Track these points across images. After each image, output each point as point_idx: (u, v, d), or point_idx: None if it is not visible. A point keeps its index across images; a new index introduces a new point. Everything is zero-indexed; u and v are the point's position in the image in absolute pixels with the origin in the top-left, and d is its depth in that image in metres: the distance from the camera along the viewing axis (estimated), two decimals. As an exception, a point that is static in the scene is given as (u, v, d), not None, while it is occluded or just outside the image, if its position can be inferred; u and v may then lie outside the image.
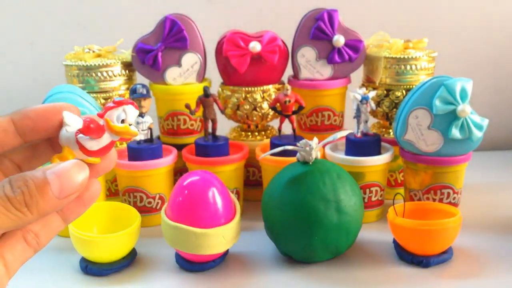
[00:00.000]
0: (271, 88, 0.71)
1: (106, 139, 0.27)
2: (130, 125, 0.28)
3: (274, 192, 0.52)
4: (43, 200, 0.25)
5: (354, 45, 0.69)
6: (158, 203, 0.64)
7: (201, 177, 0.51)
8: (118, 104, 0.27)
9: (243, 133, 0.74)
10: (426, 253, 0.51)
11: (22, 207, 0.25)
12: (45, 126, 0.28)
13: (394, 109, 0.68)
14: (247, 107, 0.70)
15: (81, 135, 0.27)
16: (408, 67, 0.66)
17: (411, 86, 0.66)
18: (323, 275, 0.51)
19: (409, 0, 0.92)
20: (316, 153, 0.53)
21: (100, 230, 0.56)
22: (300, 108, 0.64)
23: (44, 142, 0.30)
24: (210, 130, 0.65)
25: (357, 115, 0.63)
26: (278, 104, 0.64)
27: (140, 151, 0.62)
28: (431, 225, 0.50)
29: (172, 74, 0.69)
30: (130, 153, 0.63)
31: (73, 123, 0.27)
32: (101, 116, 0.27)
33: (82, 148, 0.27)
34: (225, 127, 0.76)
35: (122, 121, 0.27)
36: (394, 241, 0.55)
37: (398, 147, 0.64)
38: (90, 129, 0.27)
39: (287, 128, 0.66)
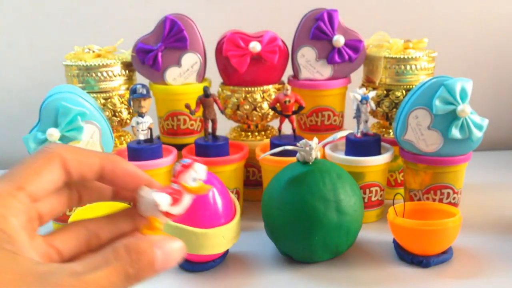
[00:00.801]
0: (271, 88, 0.71)
1: (186, 200, 0.29)
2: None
3: (274, 192, 0.52)
4: (147, 273, 0.26)
5: (354, 45, 0.69)
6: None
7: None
8: (187, 166, 0.29)
9: (243, 133, 0.74)
10: (426, 253, 0.51)
11: (133, 279, 0.26)
12: (122, 186, 0.30)
13: (394, 109, 0.68)
14: (247, 107, 0.70)
15: (165, 207, 0.29)
16: (408, 67, 0.66)
17: (411, 86, 0.66)
18: (323, 275, 0.51)
19: (409, 0, 0.92)
20: (316, 153, 0.53)
21: (100, 230, 0.56)
22: (300, 108, 0.64)
23: (127, 210, 0.32)
24: (210, 130, 0.65)
25: (357, 115, 0.63)
26: (278, 104, 0.64)
27: (140, 151, 0.62)
28: (431, 225, 0.50)
29: (172, 74, 0.69)
30: (130, 153, 0.63)
31: (162, 200, 0.28)
32: (175, 181, 0.29)
33: (168, 214, 0.29)
34: (225, 127, 0.76)
35: (194, 180, 0.29)
36: (394, 241, 0.55)
37: (398, 147, 0.64)
38: (175, 200, 0.29)
39: (287, 128, 0.66)
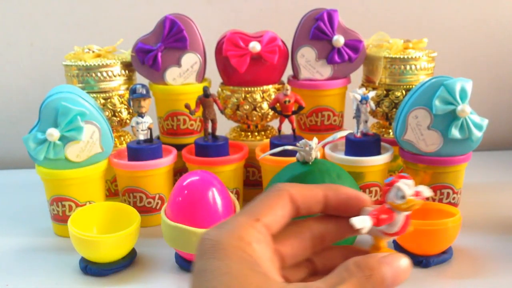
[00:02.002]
0: (271, 88, 0.71)
1: (400, 217, 0.29)
2: (416, 195, 0.29)
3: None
4: None
5: (354, 45, 0.69)
6: (158, 203, 0.64)
7: (201, 177, 0.51)
8: (389, 185, 0.29)
9: (243, 133, 0.74)
10: (426, 253, 0.51)
11: None
12: (347, 211, 0.31)
13: (394, 109, 0.68)
14: (247, 107, 0.70)
15: (382, 227, 0.30)
16: (408, 67, 0.66)
17: (411, 86, 0.66)
18: (323, 275, 0.51)
19: (409, 0, 0.92)
20: (316, 153, 0.53)
21: (100, 230, 0.56)
22: (300, 108, 0.64)
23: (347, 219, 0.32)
24: (210, 130, 0.65)
25: (357, 115, 0.63)
26: (277, 104, 0.64)
27: (140, 151, 0.62)
28: (431, 225, 0.50)
29: (172, 74, 0.69)
30: (130, 153, 0.63)
31: (364, 224, 0.29)
32: (381, 202, 0.30)
33: (388, 234, 0.30)
34: (225, 127, 0.76)
35: (403, 197, 0.29)
36: (394, 241, 0.55)
37: (398, 147, 0.64)
38: (382, 220, 0.29)
39: (287, 128, 0.66)
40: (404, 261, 0.27)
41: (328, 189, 0.31)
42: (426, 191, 0.29)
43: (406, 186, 0.29)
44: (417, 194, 0.29)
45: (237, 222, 0.28)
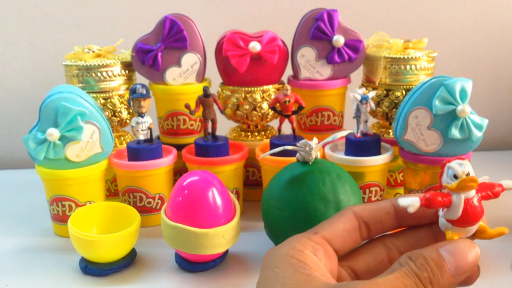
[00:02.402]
0: (271, 88, 0.71)
1: (458, 201, 0.28)
2: (466, 174, 0.28)
3: (274, 192, 0.52)
4: (442, 278, 0.26)
5: (354, 45, 0.69)
6: (158, 203, 0.64)
7: (201, 177, 0.51)
8: (443, 166, 0.29)
9: (243, 133, 0.74)
10: (426, 253, 0.51)
11: (427, 284, 0.26)
12: (422, 213, 0.30)
13: (394, 109, 0.68)
14: (247, 107, 0.70)
15: (441, 213, 0.29)
16: (408, 67, 0.66)
17: (411, 86, 0.66)
18: (323, 275, 0.51)
19: (409, 0, 0.92)
20: (316, 153, 0.53)
21: (100, 230, 0.56)
22: (300, 108, 0.64)
23: (426, 229, 0.32)
24: (210, 130, 0.65)
25: (357, 115, 0.63)
26: (277, 104, 0.64)
27: (140, 151, 0.62)
28: (431, 225, 0.50)
29: (172, 74, 0.69)
30: (130, 153, 0.63)
31: (410, 202, 0.28)
32: (438, 187, 0.30)
33: (450, 221, 0.29)
34: (225, 127, 0.76)
35: (455, 177, 0.28)
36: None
37: (398, 147, 0.64)
38: (434, 201, 0.28)
39: (287, 128, 0.66)
40: (460, 241, 0.27)
41: (394, 199, 0.31)
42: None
43: (458, 165, 0.28)
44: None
45: (295, 236, 0.31)
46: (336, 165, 0.54)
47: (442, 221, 0.29)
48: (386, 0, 0.92)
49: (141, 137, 0.63)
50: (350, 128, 0.67)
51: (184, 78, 0.70)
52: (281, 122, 0.65)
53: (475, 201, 0.28)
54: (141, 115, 0.62)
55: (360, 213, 0.31)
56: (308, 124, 0.73)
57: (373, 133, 0.64)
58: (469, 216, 0.28)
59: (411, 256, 0.27)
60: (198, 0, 0.92)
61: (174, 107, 0.71)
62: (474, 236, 0.30)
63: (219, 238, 0.49)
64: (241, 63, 0.67)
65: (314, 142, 0.52)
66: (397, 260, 0.27)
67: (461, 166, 0.28)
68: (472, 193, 0.28)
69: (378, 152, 0.63)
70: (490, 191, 0.30)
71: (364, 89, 0.63)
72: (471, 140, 0.59)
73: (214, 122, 0.64)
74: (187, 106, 0.63)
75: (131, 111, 0.69)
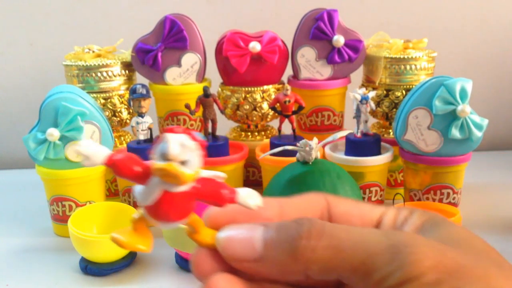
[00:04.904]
0: (271, 88, 0.71)
1: (152, 187, 0.21)
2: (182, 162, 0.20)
3: (274, 192, 0.52)
4: None
5: (354, 45, 0.69)
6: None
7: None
8: (165, 131, 0.22)
9: (243, 133, 0.74)
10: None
11: None
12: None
13: (394, 109, 0.68)
14: (247, 107, 0.70)
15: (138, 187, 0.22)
16: (408, 67, 0.66)
17: (411, 86, 0.66)
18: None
19: (409, 0, 0.92)
20: (316, 153, 0.53)
21: (100, 230, 0.56)
22: (300, 108, 0.64)
23: None
24: (210, 130, 0.65)
25: (357, 115, 0.63)
26: (278, 104, 0.64)
27: (140, 151, 0.62)
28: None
29: (172, 74, 0.69)
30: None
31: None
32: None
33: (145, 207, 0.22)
34: (225, 127, 0.76)
35: (165, 158, 0.21)
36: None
37: (398, 147, 0.64)
38: (118, 165, 0.21)
39: (287, 128, 0.66)
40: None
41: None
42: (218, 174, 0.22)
43: (178, 144, 0.19)
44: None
45: None
46: (336, 165, 0.54)
47: (137, 198, 0.21)
48: (386, 0, 0.92)
49: (141, 137, 0.63)
50: (350, 128, 0.67)
51: (184, 78, 0.70)
52: (281, 122, 0.65)
53: (179, 197, 0.21)
54: (141, 115, 0.62)
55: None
56: (308, 124, 0.73)
57: (373, 133, 0.64)
58: (160, 210, 0.21)
59: None
60: (198, 0, 0.92)
61: (174, 107, 0.71)
62: (189, 236, 0.25)
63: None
64: (241, 63, 0.67)
65: (314, 142, 0.52)
66: None
67: (180, 148, 0.19)
68: (179, 188, 0.21)
69: (378, 152, 0.63)
70: (211, 192, 0.22)
71: (364, 89, 0.63)
72: (471, 140, 0.59)
73: (214, 122, 0.64)
74: (187, 106, 0.63)
75: (131, 111, 0.69)
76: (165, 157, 0.20)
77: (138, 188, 0.21)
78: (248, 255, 0.21)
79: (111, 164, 0.21)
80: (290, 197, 0.24)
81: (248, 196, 0.22)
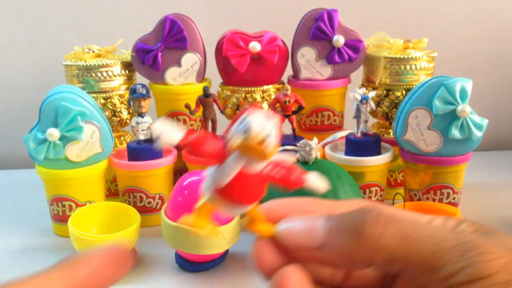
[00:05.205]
0: (271, 88, 0.71)
1: (231, 164, 0.21)
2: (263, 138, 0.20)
3: (274, 192, 0.52)
4: None
5: (354, 45, 0.69)
6: (158, 203, 0.64)
7: (201, 177, 0.51)
8: (243, 112, 0.22)
9: (243, 133, 0.73)
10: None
11: None
12: None
13: (394, 109, 0.68)
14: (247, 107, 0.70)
15: (211, 169, 0.22)
16: (408, 67, 0.66)
17: (411, 86, 0.66)
18: (323, 275, 0.51)
19: (409, 0, 0.92)
20: (316, 153, 0.53)
21: (100, 230, 0.56)
22: (300, 108, 0.64)
23: None
24: (210, 130, 0.65)
25: (357, 115, 0.63)
26: (278, 104, 0.64)
27: (140, 151, 0.62)
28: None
29: (172, 74, 0.69)
30: (130, 153, 0.63)
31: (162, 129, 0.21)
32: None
33: (219, 191, 0.22)
34: (225, 127, 0.76)
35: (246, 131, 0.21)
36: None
37: (398, 147, 0.64)
38: (195, 145, 0.21)
39: (287, 128, 0.66)
40: None
41: None
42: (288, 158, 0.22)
43: (261, 120, 0.20)
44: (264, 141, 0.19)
45: None
46: (336, 165, 0.54)
47: (207, 181, 0.21)
48: (386, 0, 0.92)
49: (141, 137, 0.63)
50: (350, 128, 0.67)
51: (184, 78, 0.70)
52: (281, 122, 0.65)
53: (255, 177, 0.21)
54: (141, 115, 0.62)
55: None
56: (308, 124, 0.73)
57: (373, 133, 0.64)
58: (236, 190, 0.21)
59: None
60: (198, 0, 0.92)
61: (174, 107, 0.71)
62: (245, 226, 0.24)
63: (219, 238, 0.49)
64: (241, 63, 0.67)
65: (314, 142, 0.52)
66: None
67: (264, 123, 0.20)
68: (257, 166, 0.21)
69: (378, 152, 0.63)
70: (283, 175, 0.22)
71: (364, 89, 0.63)
72: (471, 140, 0.59)
73: (214, 122, 0.64)
74: (187, 106, 0.63)
75: (131, 111, 0.69)
76: (248, 133, 0.20)
77: (211, 169, 0.21)
78: (310, 242, 0.22)
79: (187, 143, 0.21)
80: (341, 201, 0.24)
81: (317, 180, 0.23)
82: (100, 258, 0.22)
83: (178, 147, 0.20)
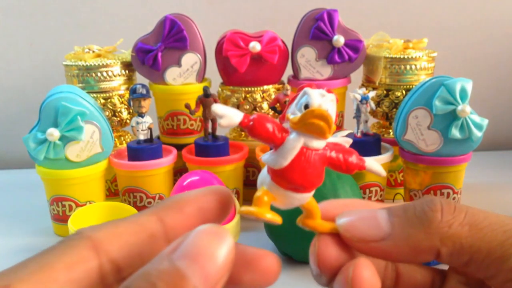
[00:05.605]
0: (271, 88, 0.71)
1: (292, 142, 0.20)
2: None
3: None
4: None
5: (354, 45, 0.69)
6: (158, 203, 0.64)
7: (201, 177, 0.51)
8: (299, 90, 0.23)
9: (243, 133, 0.74)
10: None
11: None
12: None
13: (394, 109, 0.68)
14: (247, 107, 0.70)
15: (267, 156, 0.21)
16: (408, 67, 0.66)
17: (411, 86, 0.66)
18: (323, 275, 0.51)
19: (409, 0, 0.92)
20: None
21: (100, 230, 0.56)
22: (300, 108, 0.64)
23: None
24: (210, 130, 0.65)
25: (357, 115, 0.63)
26: (278, 104, 0.64)
27: (140, 151, 0.62)
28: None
29: (172, 74, 0.69)
30: (130, 153, 0.63)
31: (223, 112, 0.20)
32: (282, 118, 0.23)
33: (272, 170, 0.21)
34: (225, 127, 0.76)
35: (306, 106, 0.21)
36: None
37: (398, 147, 0.64)
38: (257, 126, 0.21)
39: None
40: (209, 239, 0.17)
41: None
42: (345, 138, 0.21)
43: (319, 95, 0.20)
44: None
45: None
46: (336, 165, 0.54)
47: (263, 172, 0.21)
48: (386, 0, 0.92)
49: (141, 137, 0.63)
50: (350, 128, 0.67)
51: (184, 78, 0.70)
52: (281, 122, 0.65)
53: (315, 157, 0.20)
54: (141, 115, 0.62)
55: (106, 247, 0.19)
56: (308, 124, 0.73)
57: (373, 133, 0.64)
58: (297, 172, 0.20)
59: (128, 285, 0.16)
60: (198, 0, 0.92)
61: (174, 107, 0.71)
62: (302, 221, 0.23)
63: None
64: (241, 63, 0.67)
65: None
66: None
67: (322, 98, 0.20)
68: (318, 144, 0.20)
69: (378, 152, 0.63)
70: (342, 157, 0.21)
71: (364, 89, 0.63)
72: (471, 140, 0.59)
73: (214, 122, 0.64)
74: (187, 106, 0.63)
75: (131, 111, 0.69)
76: (307, 108, 0.19)
77: (267, 154, 0.21)
78: (375, 233, 0.20)
79: (248, 123, 0.20)
80: (396, 203, 0.23)
81: (375, 163, 0.22)
82: (206, 197, 0.21)
83: (240, 126, 0.19)
